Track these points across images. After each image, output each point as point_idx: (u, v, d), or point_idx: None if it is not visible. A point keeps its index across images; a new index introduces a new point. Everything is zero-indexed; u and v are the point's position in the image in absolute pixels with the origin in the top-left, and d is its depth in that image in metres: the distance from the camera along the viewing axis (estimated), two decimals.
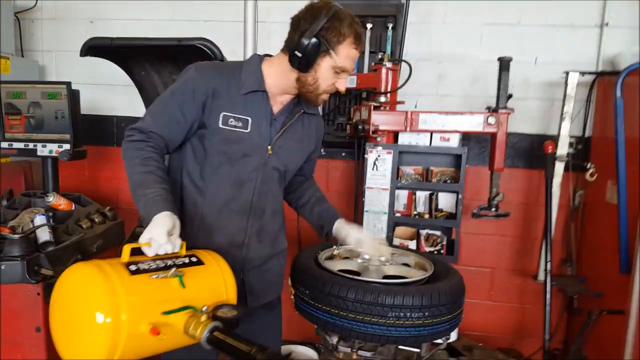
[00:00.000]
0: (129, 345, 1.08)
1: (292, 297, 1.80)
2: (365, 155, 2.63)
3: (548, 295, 2.55)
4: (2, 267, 1.83)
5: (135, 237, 1.71)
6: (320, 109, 1.86)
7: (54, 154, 2.39)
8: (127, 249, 1.21)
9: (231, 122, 1.48)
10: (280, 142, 1.58)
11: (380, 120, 2.49)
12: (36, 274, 1.89)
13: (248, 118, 1.50)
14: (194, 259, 1.31)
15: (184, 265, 1.26)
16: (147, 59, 2.52)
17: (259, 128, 1.52)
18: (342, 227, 1.76)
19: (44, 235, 2.05)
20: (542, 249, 2.77)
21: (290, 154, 1.63)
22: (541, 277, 2.65)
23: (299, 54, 1.41)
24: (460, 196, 2.60)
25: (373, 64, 2.65)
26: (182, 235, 1.32)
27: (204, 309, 1.19)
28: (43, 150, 2.40)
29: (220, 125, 1.47)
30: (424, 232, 2.75)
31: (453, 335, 2.46)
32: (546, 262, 2.58)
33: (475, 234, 3.08)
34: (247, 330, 1.46)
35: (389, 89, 2.55)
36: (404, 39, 2.91)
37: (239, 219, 1.57)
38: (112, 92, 3.31)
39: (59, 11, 3.32)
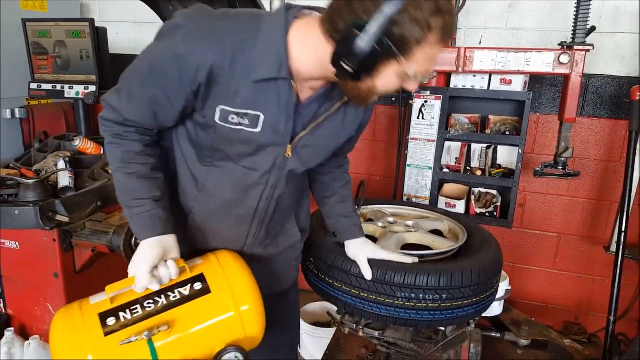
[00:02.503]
0: None
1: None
2: (411, 101, 2.31)
3: (618, 270, 2.16)
4: (16, 212, 1.82)
5: None
6: None
7: (80, 96, 2.33)
8: (109, 291, 1.03)
9: (233, 119, 1.05)
10: (307, 140, 1.15)
11: None
12: (50, 220, 1.87)
13: (259, 114, 1.05)
14: (197, 286, 1.06)
15: (179, 301, 1.04)
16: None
17: (275, 126, 1.08)
18: (354, 247, 1.41)
19: (63, 180, 2.02)
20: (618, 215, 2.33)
21: (317, 153, 1.22)
22: (614, 247, 2.24)
23: (349, 66, 0.92)
24: (520, 151, 2.21)
25: None
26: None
27: None
28: (70, 92, 2.34)
29: (217, 121, 1.06)
30: (476, 190, 2.41)
31: (498, 309, 2.18)
32: (620, 232, 2.15)
33: (543, 193, 2.68)
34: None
35: None
36: None
37: (239, 225, 1.25)
38: (154, 31, 3.19)
39: None
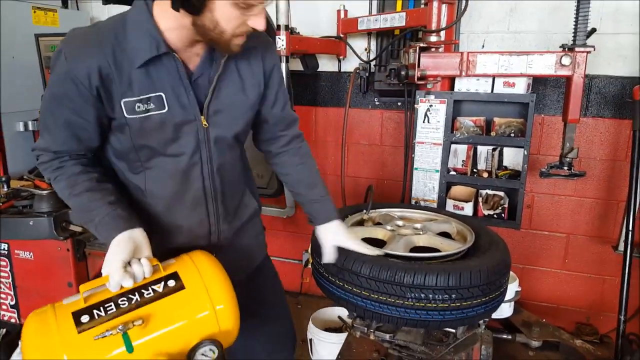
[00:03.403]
0: None
1: (310, 266, 1.65)
2: (416, 105, 2.33)
3: (627, 270, 2.16)
4: (30, 223, 1.86)
5: None
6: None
7: None
8: (82, 290, 1.04)
9: (139, 107, 1.10)
10: (215, 105, 1.20)
11: (429, 63, 2.14)
12: (64, 230, 1.91)
13: (160, 94, 1.11)
14: (171, 283, 1.08)
15: (153, 298, 1.05)
16: None
17: (179, 100, 1.14)
18: (324, 231, 1.44)
19: None
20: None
21: (232, 115, 1.26)
22: (622, 247, 2.24)
23: None
24: (526, 152, 2.22)
25: None
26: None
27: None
28: None
29: (127, 116, 1.11)
30: (483, 192, 2.42)
31: (508, 310, 2.19)
32: (627, 231, 2.16)
33: (550, 194, 2.69)
34: (249, 300, 1.28)
35: (441, 26, 2.18)
36: None
37: (196, 212, 1.29)
38: None
39: None
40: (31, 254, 2.03)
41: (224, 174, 1.29)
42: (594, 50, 1.91)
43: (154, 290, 1.06)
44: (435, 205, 2.34)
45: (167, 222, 1.27)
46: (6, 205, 2.00)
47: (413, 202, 2.38)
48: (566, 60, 1.95)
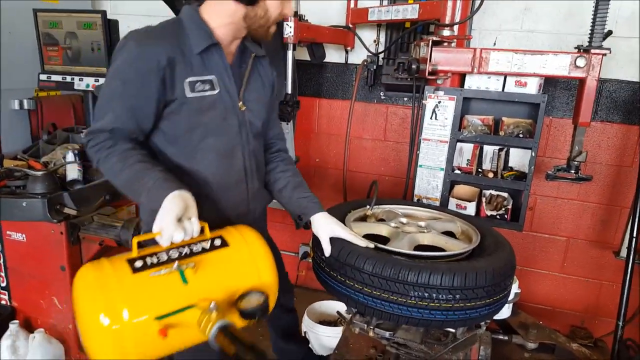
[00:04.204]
0: (133, 347, 1.02)
1: (310, 260, 1.61)
2: (424, 101, 2.28)
3: (628, 276, 2.14)
4: (23, 204, 1.80)
5: None
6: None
7: (90, 88, 2.32)
8: (134, 242, 1.13)
9: (198, 86, 1.29)
10: (247, 94, 1.41)
11: (441, 58, 2.09)
12: (58, 213, 1.85)
13: (212, 77, 1.32)
14: (217, 242, 1.19)
15: (202, 251, 1.15)
16: None
17: (225, 85, 1.35)
18: (318, 221, 1.49)
19: (72, 173, 2.01)
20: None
21: (259, 104, 1.46)
22: (624, 253, 2.22)
23: None
24: (533, 153, 2.18)
25: None
26: None
27: (211, 305, 1.05)
28: (80, 84, 2.33)
29: (188, 95, 1.27)
30: (487, 192, 2.39)
31: (506, 312, 2.16)
32: (631, 237, 2.13)
33: (553, 197, 2.67)
34: None
35: (455, 21, 2.13)
36: None
37: (238, 190, 1.45)
38: None
39: None
40: (24, 235, 1.97)
41: (257, 156, 1.48)
42: (610, 52, 1.87)
43: (201, 246, 1.16)
44: (438, 203, 2.30)
45: (213, 201, 1.38)
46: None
47: (415, 199, 2.35)
48: (581, 62, 1.91)
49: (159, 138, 1.34)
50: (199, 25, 1.30)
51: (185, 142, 1.33)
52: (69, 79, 2.35)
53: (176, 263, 1.08)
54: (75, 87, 2.35)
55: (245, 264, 1.19)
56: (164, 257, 1.12)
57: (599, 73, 1.91)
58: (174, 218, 1.11)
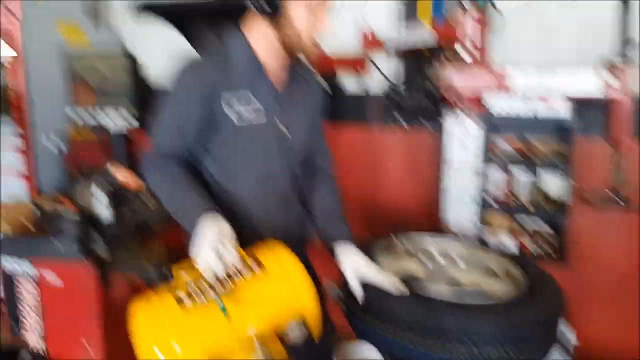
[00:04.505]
0: None
1: (336, 296, 1.54)
2: (447, 127, 2.23)
3: None
4: (56, 244, 1.83)
5: None
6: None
7: (120, 129, 2.37)
8: (176, 271, 1.17)
9: (245, 116, 1.33)
10: (290, 118, 1.42)
11: (461, 81, 2.05)
12: (89, 253, 1.87)
13: (259, 105, 1.35)
14: (255, 268, 1.18)
15: (240, 278, 1.15)
16: (207, 23, 2.36)
17: (271, 113, 1.37)
18: (342, 254, 1.42)
19: (103, 212, 2.03)
20: None
21: (301, 129, 1.47)
22: None
23: (260, 3, 1.25)
24: (571, 180, 2.08)
25: (455, 13, 2.20)
26: None
27: (250, 331, 1.07)
28: (109, 122, 2.39)
29: (236, 124, 1.33)
30: (525, 224, 2.27)
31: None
32: None
33: (598, 227, 2.47)
34: None
35: (474, 43, 2.09)
36: None
37: (279, 215, 1.46)
38: None
39: None
40: (54, 275, 1.99)
41: (297, 181, 1.50)
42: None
43: (240, 272, 1.16)
44: (470, 235, 2.21)
45: (253, 225, 1.40)
46: (34, 226, 1.98)
47: (446, 231, 2.27)
48: (613, 82, 1.83)
49: (207, 159, 1.40)
50: (242, 47, 1.34)
51: (228, 165, 1.39)
52: (99, 118, 2.41)
53: (216, 296, 1.09)
54: (105, 125, 2.41)
55: (286, 292, 1.17)
56: (204, 285, 1.13)
57: (632, 92, 1.82)
58: (210, 247, 1.14)
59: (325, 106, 1.59)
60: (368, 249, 1.55)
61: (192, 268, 1.16)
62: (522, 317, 1.24)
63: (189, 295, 1.10)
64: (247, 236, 1.33)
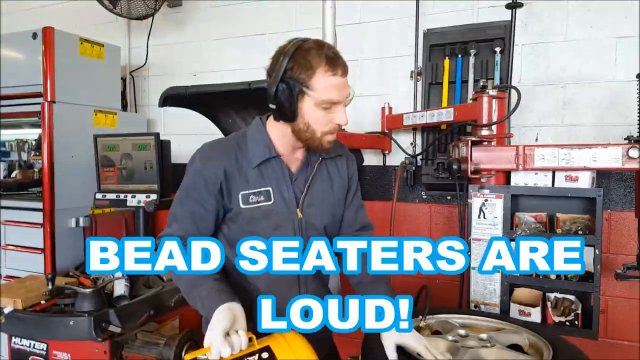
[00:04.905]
0: None
1: None
2: (469, 200, 2.22)
3: None
4: (71, 323, 1.80)
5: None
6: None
7: (141, 204, 2.41)
8: (187, 358, 1.15)
9: (252, 199, 1.38)
10: (308, 200, 1.45)
11: (482, 157, 2.07)
12: (103, 331, 1.83)
13: (268, 189, 1.39)
14: (264, 355, 1.17)
15: None
16: (231, 106, 2.47)
17: (282, 195, 1.41)
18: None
19: (119, 288, 2.02)
20: None
21: (322, 208, 1.49)
22: None
23: (275, 106, 1.30)
24: (597, 251, 2.02)
25: (474, 92, 2.26)
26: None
27: None
28: (132, 200, 2.43)
29: (242, 206, 1.38)
30: (552, 296, 2.18)
31: None
32: None
33: (627, 298, 2.41)
34: None
35: (493, 120, 2.13)
36: (511, 61, 2.47)
37: (290, 292, 1.44)
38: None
39: (166, 68, 3.52)
40: (68, 355, 1.94)
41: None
42: None
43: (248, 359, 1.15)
44: (497, 310, 2.12)
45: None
46: (49, 303, 1.97)
47: (472, 306, 2.18)
48: (634, 153, 1.83)
49: (220, 241, 1.42)
50: (260, 139, 1.40)
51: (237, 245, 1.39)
52: (122, 196, 2.47)
53: None
54: (128, 204, 2.46)
55: None
56: None
57: None
58: (222, 332, 1.13)
59: (356, 182, 1.61)
60: None
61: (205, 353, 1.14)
62: None
63: None
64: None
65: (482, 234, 2.20)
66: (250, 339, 1.18)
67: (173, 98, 2.21)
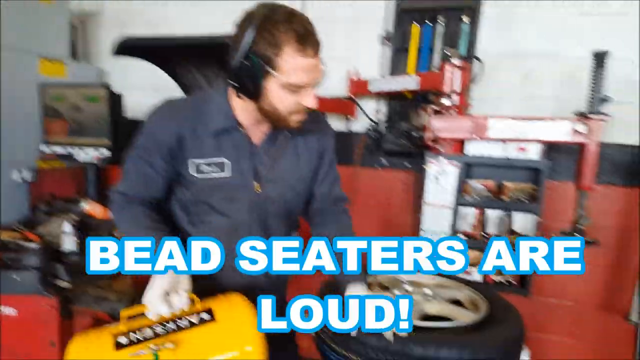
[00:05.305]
0: None
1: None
2: (426, 167, 2.28)
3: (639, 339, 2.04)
4: (16, 277, 1.74)
5: None
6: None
7: (92, 160, 2.32)
8: (122, 315, 1.14)
9: (204, 169, 1.30)
10: (270, 174, 1.36)
11: (441, 126, 2.13)
12: (51, 286, 1.79)
13: (222, 160, 1.30)
14: (205, 316, 1.15)
15: (188, 326, 1.12)
16: (192, 61, 2.38)
17: (239, 167, 1.32)
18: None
19: (68, 243, 1.97)
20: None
21: (284, 184, 1.40)
22: (634, 317, 2.13)
23: (236, 84, 1.19)
24: (538, 218, 2.15)
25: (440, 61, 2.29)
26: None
27: None
28: (82, 155, 2.34)
29: (195, 175, 1.30)
30: None
31: None
32: None
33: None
34: None
35: (454, 90, 2.18)
36: (476, 33, 2.50)
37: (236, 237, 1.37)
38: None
39: (122, 16, 3.33)
40: (14, 309, 1.89)
41: (270, 234, 1.40)
42: (610, 118, 1.89)
43: (188, 320, 1.13)
44: None
45: (217, 275, 1.36)
46: None
47: None
48: (581, 128, 1.93)
49: (173, 201, 1.39)
50: (221, 107, 1.29)
51: (193, 212, 1.37)
52: (71, 150, 2.36)
53: (152, 345, 1.06)
54: (77, 158, 2.36)
55: (231, 349, 1.10)
56: (149, 333, 1.11)
57: (599, 137, 1.92)
58: (161, 293, 1.12)
59: (330, 158, 1.49)
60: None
61: (143, 311, 1.13)
62: (481, 338, 1.30)
63: (130, 342, 1.08)
64: (209, 284, 1.31)
65: (435, 200, 2.28)
66: (192, 300, 1.15)
67: (128, 48, 2.10)
